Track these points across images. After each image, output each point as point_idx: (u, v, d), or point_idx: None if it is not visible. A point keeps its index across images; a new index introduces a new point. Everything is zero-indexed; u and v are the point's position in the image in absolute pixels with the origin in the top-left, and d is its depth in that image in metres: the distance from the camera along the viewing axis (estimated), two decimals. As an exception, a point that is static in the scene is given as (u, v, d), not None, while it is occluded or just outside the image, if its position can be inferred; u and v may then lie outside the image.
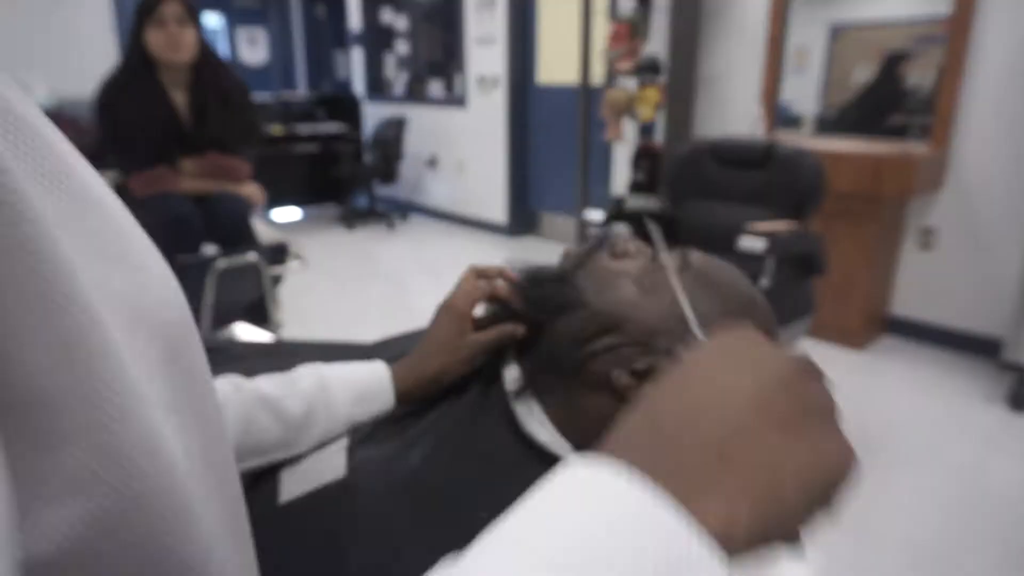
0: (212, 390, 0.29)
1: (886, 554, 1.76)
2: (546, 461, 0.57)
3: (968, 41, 2.77)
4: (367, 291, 4.04)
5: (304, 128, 5.67)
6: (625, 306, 0.59)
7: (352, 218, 5.55)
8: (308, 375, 0.62)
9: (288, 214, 5.81)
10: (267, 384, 0.60)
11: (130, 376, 0.20)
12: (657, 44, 3.47)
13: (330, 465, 0.56)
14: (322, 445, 0.60)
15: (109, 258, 0.22)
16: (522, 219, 5.11)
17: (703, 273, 0.61)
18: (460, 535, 0.51)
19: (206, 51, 2.20)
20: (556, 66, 4.59)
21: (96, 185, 0.24)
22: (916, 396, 2.60)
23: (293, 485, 0.57)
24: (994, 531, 1.84)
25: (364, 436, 0.60)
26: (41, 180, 0.20)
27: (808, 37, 3.35)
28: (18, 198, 0.18)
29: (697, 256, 0.62)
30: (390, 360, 0.67)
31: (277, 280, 2.40)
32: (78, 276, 0.19)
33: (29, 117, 0.22)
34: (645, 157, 3.52)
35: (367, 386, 0.63)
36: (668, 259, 0.61)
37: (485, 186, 5.20)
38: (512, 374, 0.63)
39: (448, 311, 0.65)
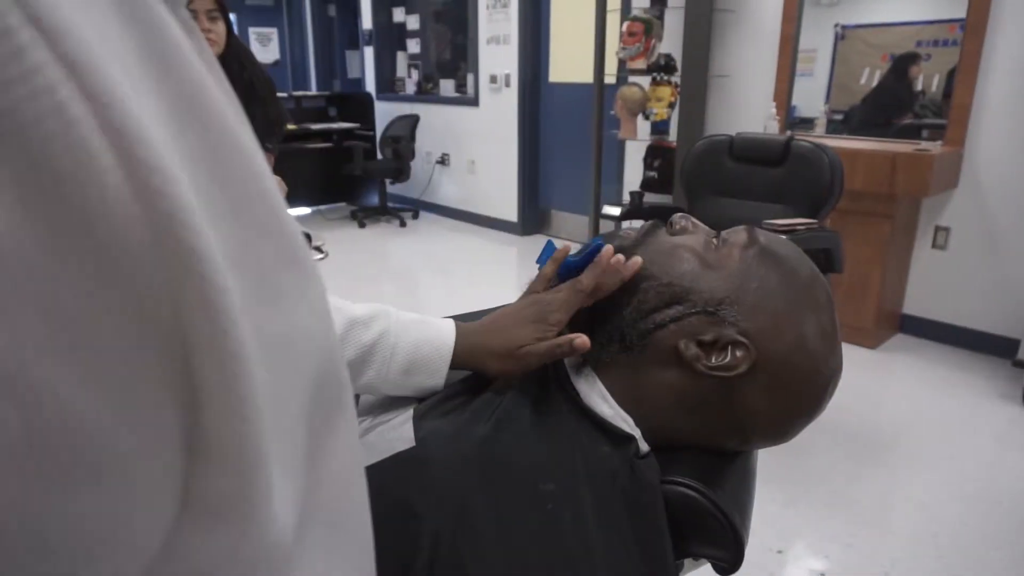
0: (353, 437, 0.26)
1: (908, 546, 1.77)
2: (608, 434, 0.59)
3: (983, 40, 2.77)
4: (379, 288, 4.06)
5: (317, 126, 5.70)
6: (691, 277, 0.61)
7: (364, 216, 5.57)
8: (381, 320, 0.63)
9: (295, 211, 5.84)
10: (359, 308, 0.62)
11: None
12: (671, 43, 3.48)
13: (400, 435, 0.58)
14: (387, 417, 0.62)
15: (265, 300, 0.19)
16: (533, 217, 5.13)
17: (768, 249, 0.63)
18: (527, 505, 0.53)
19: (233, 43, 2.22)
20: (568, 65, 4.60)
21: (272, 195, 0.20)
22: (931, 395, 2.60)
23: (363, 455, 0.59)
24: (1011, 526, 1.85)
25: (429, 408, 0.62)
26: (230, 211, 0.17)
27: (815, 40, 3.35)
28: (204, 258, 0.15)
29: (762, 233, 0.64)
30: None
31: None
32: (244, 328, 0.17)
33: (234, 132, 0.19)
34: (658, 155, 3.53)
35: (426, 356, 0.63)
36: (735, 234, 0.63)
37: (497, 184, 5.22)
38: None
39: (537, 319, 0.63)
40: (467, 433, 0.57)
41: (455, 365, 0.64)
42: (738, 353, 0.58)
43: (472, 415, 0.59)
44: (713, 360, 0.58)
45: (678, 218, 0.67)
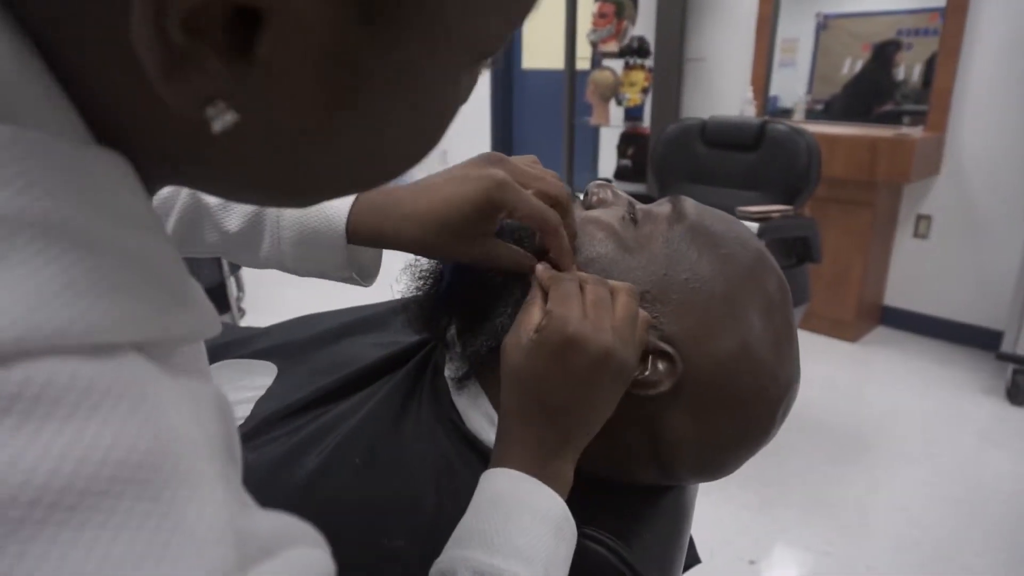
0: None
1: (888, 553, 1.66)
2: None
3: (964, 21, 2.67)
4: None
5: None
6: (603, 263, 0.47)
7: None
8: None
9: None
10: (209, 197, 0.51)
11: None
12: (644, 26, 3.35)
13: None
14: None
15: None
16: (507, 209, 4.99)
17: (699, 226, 0.49)
18: (367, 570, 0.39)
19: None
20: (542, 51, 4.46)
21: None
22: (912, 389, 2.50)
23: None
24: (996, 529, 1.75)
25: (255, 429, 0.48)
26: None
27: (796, 29, 3.29)
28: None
29: (691, 205, 0.50)
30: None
31: (239, 264, 2.26)
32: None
33: None
34: (631, 142, 3.40)
35: (315, 222, 0.50)
36: (657, 207, 0.49)
37: (469, 175, 5.07)
38: (455, 357, 0.50)
39: (493, 181, 0.45)
40: (291, 467, 0.42)
41: (360, 237, 0.49)
42: (660, 365, 0.44)
43: (306, 439, 0.45)
44: None
45: (594, 186, 0.53)
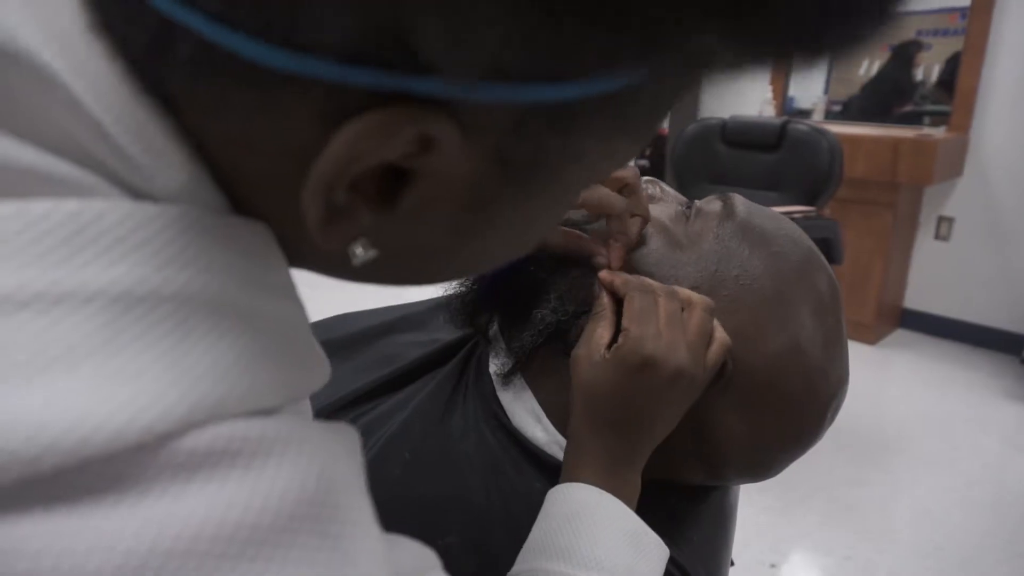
0: None
1: (909, 559, 1.64)
2: (541, 465, 0.45)
3: (989, 20, 2.64)
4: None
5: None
6: (654, 259, 0.47)
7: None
8: None
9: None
10: None
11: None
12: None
13: None
14: None
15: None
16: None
17: (749, 225, 0.48)
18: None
19: None
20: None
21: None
22: (933, 392, 2.47)
23: None
24: (1019, 535, 1.72)
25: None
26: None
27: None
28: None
29: (741, 202, 0.49)
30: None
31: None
32: None
33: None
34: (649, 143, 3.39)
35: None
36: (707, 205, 0.49)
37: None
38: (499, 353, 0.50)
39: None
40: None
41: None
42: None
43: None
44: None
45: (645, 182, 0.52)
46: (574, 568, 0.36)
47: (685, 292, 0.43)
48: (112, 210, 0.18)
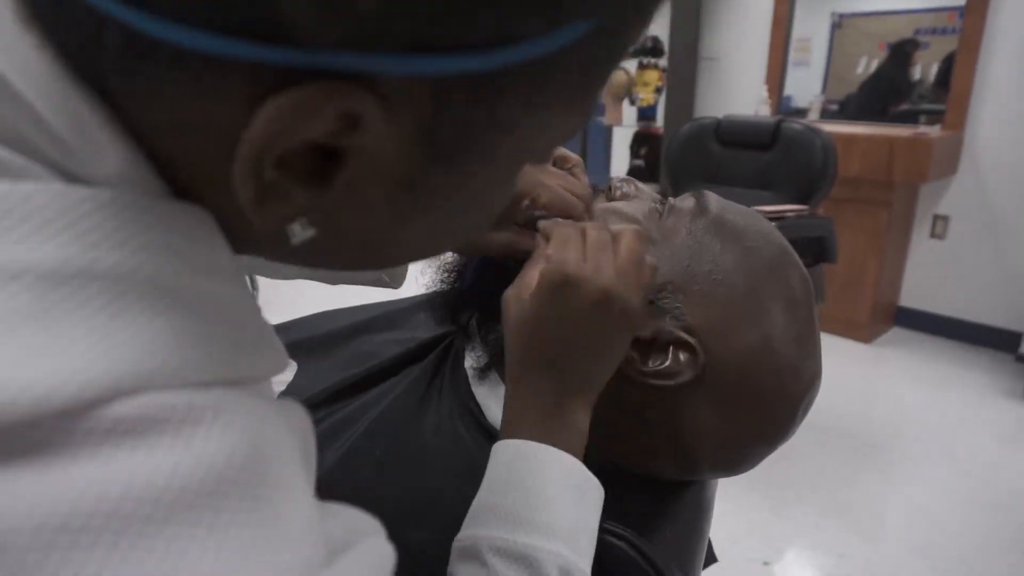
0: None
1: (904, 556, 1.64)
2: None
3: (984, 18, 2.64)
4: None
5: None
6: None
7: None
8: None
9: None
10: None
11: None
12: (658, 25, 3.34)
13: None
14: None
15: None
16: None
17: (723, 219, 0.48)
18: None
19: None
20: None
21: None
22: (928, 391, 2.47)
23: None
24: (1015, 533, 1.72)
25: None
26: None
27: (811, 29, 3.27)
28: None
29: (715, 199, 0.49)
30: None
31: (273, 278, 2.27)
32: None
33: None
34: (644, 142, 3.39)
35: None
36: (681, 202, 0.49)
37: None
38: (476, 347, 0.50)
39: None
40: None
41: None
42: (681, 356, 0.44)
43: (330, 430, 0.45)
44: (650, 364, 0.44)
45: (618, 181, 0.53)
46: (513, 532, 0.36)
47: (617, 226, 0.43)
48: (41, 192, 0.19)
